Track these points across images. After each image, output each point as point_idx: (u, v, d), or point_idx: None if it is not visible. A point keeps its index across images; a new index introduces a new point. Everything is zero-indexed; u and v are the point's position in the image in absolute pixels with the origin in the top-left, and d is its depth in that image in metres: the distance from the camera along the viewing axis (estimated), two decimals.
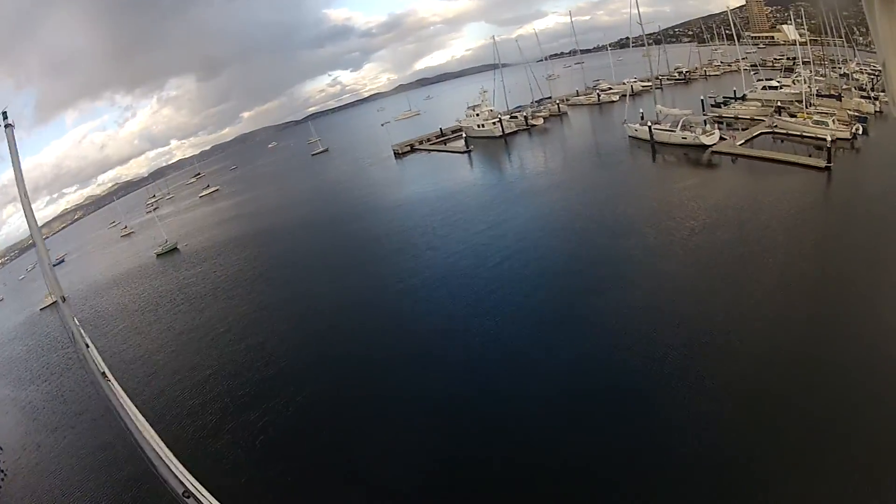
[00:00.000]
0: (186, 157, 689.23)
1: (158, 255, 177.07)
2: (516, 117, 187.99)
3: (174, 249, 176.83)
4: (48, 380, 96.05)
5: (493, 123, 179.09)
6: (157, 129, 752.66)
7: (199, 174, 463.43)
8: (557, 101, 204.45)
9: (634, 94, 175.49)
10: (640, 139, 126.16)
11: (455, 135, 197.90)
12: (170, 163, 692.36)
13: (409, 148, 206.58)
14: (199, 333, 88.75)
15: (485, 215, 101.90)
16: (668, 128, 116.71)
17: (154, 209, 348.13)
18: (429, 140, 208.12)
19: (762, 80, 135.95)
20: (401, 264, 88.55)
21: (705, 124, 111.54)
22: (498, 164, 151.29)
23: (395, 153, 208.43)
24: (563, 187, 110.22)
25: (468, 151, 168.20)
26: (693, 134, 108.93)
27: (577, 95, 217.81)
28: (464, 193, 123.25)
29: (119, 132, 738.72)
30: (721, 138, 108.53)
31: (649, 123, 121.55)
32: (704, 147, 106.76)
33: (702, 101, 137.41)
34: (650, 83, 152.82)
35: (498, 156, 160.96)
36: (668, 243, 70.86)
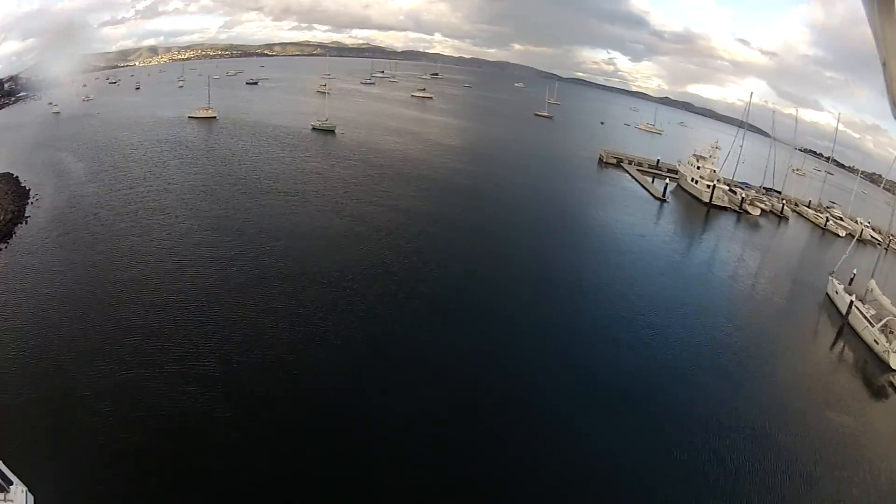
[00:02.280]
0: (444, 54, 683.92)
1: (314, 129, 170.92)
2: (734, 192, 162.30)
3: (331, 131, 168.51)
4: None
5: (707, 186, 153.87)
6: (428, 16, 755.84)
7: (437, 74, 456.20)
8: (784, 200, 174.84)
9: (861, 240, 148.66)
10: (835, 305, 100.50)
11: (668, 174, 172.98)
12: (426, 51, 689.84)
13: (615, 161, 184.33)
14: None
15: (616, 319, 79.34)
16: (867, 314, 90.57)
17: (370, 84, 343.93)
18: (640, 165, 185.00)
19: None
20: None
21: None
22: (684, 235, 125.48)
23: (600, 158, 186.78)
24: (721, 325, 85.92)
25: (663, 200, 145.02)
26: (888, 346, 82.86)
27: (808, 206, 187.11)
28: (625, 258, 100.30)
29: (389, 1, 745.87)
30: None
31: (852, 298, 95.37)
32: (888, 367, 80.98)
33: None
34: (881, 239, 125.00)
35: (689, 224, 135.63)
36: None
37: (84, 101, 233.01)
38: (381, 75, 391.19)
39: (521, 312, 72.82)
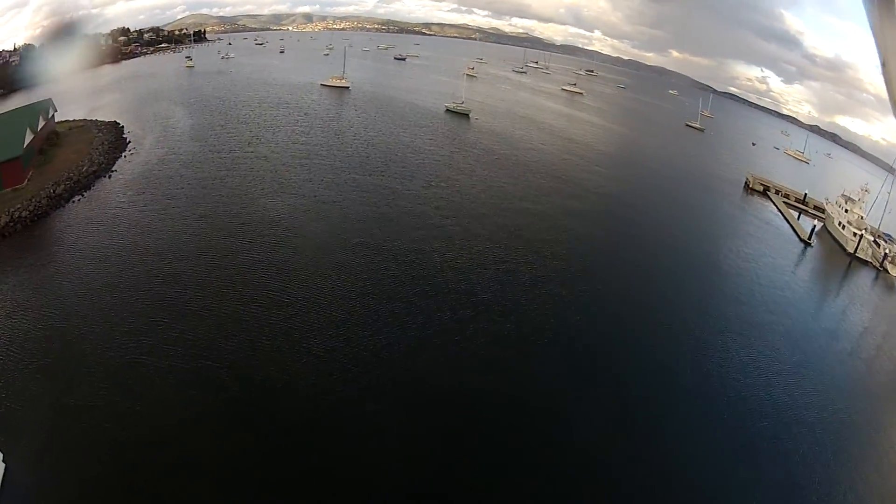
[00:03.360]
0: (602, 52, 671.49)
1: (447, 111, 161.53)
2: (877, 245, 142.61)
3: (465, 115, 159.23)
4: None
5: (854, 234, 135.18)
6: (588, 13, 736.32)
7: (592, 71, 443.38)
8: None
9: None
10: None
11: (815, 211, 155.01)
12: (585, 48, 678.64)
13: (762, 188, 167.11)
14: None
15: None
16: None
17: (522, 73, 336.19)
18: (786, 196, 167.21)
19: None
20: None
21: None
22: (818, 292, 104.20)
23: (746, 183, 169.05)
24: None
25: (807, 244, 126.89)
26: None
27: None
28: (747, 309, 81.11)
29: None
30: None
31: None
32: None
33: None
34: None
35: (828, 278, 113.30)
36: None
37: (223, 58, 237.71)
38: (534, 65, 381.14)
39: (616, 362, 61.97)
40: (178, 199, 76.34)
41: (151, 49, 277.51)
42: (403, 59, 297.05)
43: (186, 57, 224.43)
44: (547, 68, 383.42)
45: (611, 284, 73.28)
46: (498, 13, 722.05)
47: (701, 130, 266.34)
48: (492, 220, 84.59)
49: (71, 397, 40.34)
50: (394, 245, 70.08)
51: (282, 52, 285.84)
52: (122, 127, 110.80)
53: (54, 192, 76.72)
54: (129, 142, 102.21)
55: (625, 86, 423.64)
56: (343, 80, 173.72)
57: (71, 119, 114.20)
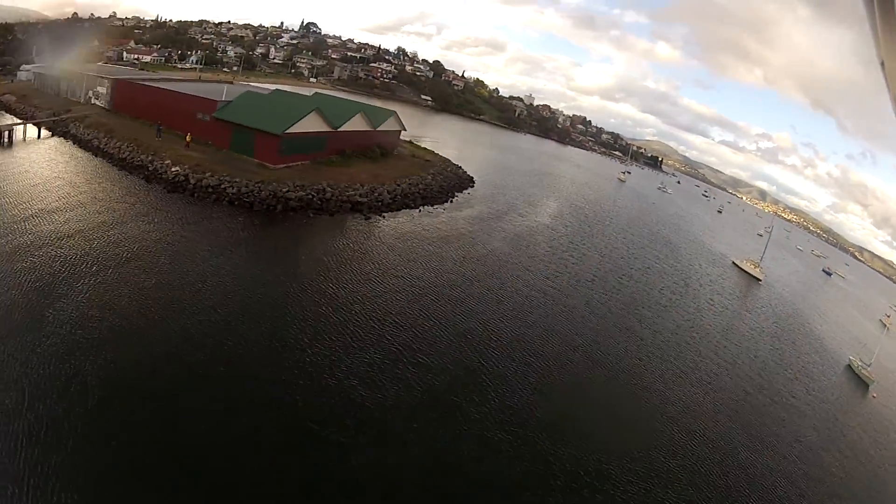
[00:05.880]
0: None
1: (848, 367, 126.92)
2: None
3: (865, 384, 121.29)
4: None
5: None
6: None
7: None
8: None
9: None
10: None
11: None
12: None
13: None
14: None
15: None
16: None
17: None
18: None
19: None
20: None
21: None
22: None
23: None
24: None
25: None
26: None
27: None
28: None
29: None
30: None
31: None
32: None
33: None
34: None
35: None
36: None
37: (659, 188, 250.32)
38: None
39: None
40: (377, 283, 51.82)
41: (600, 150, 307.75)
42: (830, 275, 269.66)
43: (625, 171, 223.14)
44: None
45: None
46: None
47: None
48: None
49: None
50: None
51: (719, 212, 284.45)
52: (470, 188, 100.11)
53: (282, 191, 65.86)
54: (448, 202, 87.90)
55: None
56: (757, 269, 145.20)
57: (438, 153, 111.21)
